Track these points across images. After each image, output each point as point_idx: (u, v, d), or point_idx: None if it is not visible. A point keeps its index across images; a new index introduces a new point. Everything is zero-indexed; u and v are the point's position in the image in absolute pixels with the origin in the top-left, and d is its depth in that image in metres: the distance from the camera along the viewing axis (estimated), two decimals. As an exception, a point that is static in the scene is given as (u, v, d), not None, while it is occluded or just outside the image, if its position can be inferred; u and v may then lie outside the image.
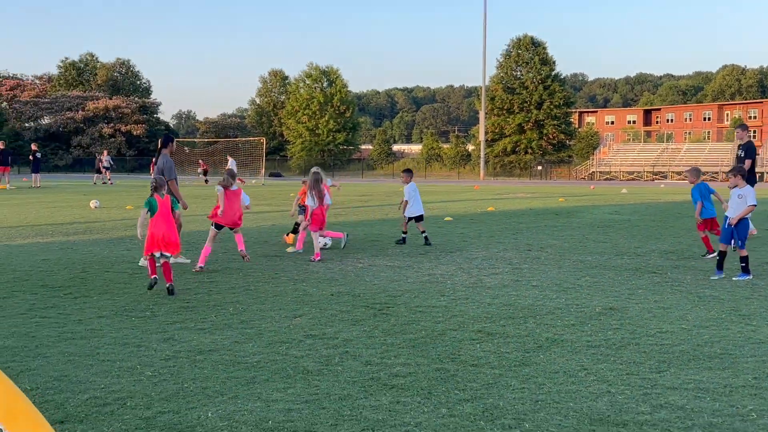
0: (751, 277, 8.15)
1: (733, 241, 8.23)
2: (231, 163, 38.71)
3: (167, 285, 7.24)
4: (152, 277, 7.26)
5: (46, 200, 23.05)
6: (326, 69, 74.91)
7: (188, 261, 9.40)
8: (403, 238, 11.79)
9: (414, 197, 11.73)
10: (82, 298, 7.21)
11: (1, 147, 29.23)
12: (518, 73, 63.09)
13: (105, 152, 42.62)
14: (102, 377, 4.57)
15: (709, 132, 56.61)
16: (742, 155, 11.56)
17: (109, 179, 38.89)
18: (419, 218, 11.84)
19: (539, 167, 62.19)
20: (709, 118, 59.75)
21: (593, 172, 60.29)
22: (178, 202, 8.76)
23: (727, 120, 58.77)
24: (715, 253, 8.93)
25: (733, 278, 8.15)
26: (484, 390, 4.29)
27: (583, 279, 8.40)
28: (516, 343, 5.45)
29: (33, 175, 32.24)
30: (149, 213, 7.41)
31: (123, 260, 9.85)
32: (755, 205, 8.17)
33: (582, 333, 5.77)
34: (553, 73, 61.39)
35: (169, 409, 3.95)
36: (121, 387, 4.36)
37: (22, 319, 6.27)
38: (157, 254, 7.34)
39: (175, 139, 10.27)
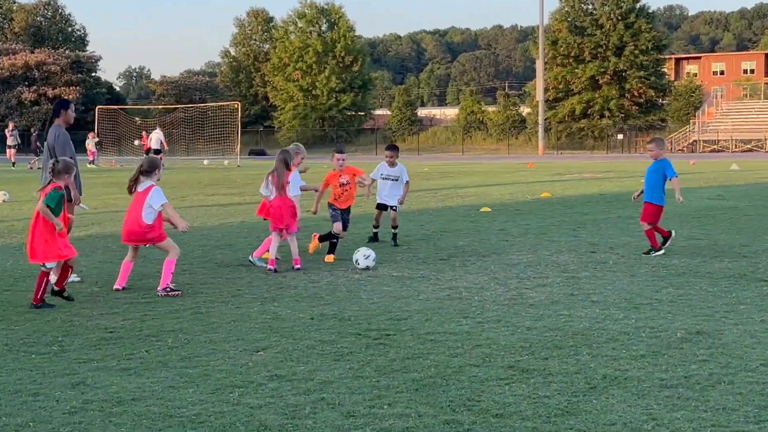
0: None
1: None
2: (156, 137, 40.08)
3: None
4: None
5: None
6: (325, 6, 75.32)
7: (79, 279, 9.42)
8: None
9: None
10: None
11: None
12: (590, 6, 62.86)
13: (11, 125, 43.38)
14: None
15: None
16: None
17: (32, 165, 39.70)
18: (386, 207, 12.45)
19: (620, 136, 61.82)
20: None
21: (695, 141, 59.80)
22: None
23: None
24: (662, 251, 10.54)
25: None
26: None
27: (663, 291, 8.33)
28: (561, 383, 5.37)
29: None
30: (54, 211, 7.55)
31: (31, 275, 9.76)
32: None
33: (654, 367, 5.68)
34: (638, 5, 61.00)
35: None
36: None
37: None
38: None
39: (72, 106, 10.17)
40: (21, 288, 9.01)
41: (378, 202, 12.49)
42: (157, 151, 40.99)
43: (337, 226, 10.85)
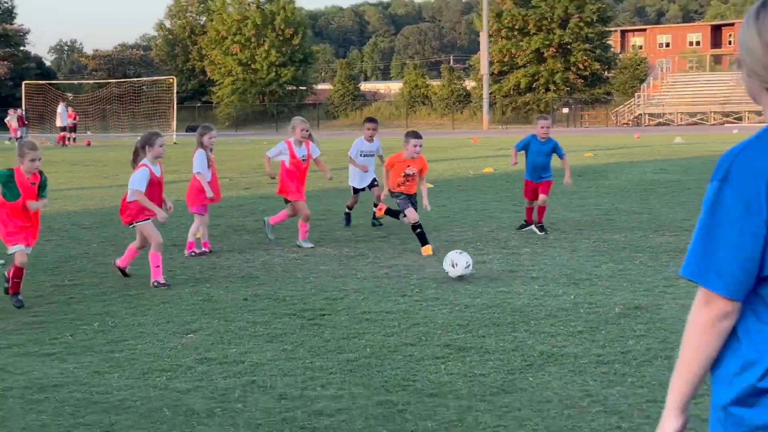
0: None
1: None
2: (62, 111, 39.70)
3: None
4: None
5: None
6: None
7: (2, 262, 9.19)
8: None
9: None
10: None
11: None
12: None
13: None
14: None
15: None
16: None
17: None
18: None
19: (565, 110, 62.72)
20: None
21: (640, 115, 61.16)
22: None
23: None
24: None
25: None
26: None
27: (603, 266, 8.51)
28: (497, 361, 5.44)
29: None
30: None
31: None
32: None
33: (592, 344, 5.80)
34: None
35: None
36: None
37: None
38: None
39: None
40: None
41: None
42: (64, 128, 40.43)
43: (412, 214, 9.74)
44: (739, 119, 55.70)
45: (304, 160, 10.27)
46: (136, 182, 8.02)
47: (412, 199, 9.94)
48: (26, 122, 45.73)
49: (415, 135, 10.16)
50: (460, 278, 8.01)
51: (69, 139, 42.04)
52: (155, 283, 8.03)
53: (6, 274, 7.46)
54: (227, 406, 4.70)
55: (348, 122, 70.21)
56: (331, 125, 70.33)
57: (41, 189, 7.58)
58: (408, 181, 9.94)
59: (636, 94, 61.94)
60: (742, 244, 1.88)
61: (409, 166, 9.93)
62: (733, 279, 1.88)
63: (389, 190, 10.03)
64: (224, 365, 5.47)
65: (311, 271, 8.63)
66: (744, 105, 55.79)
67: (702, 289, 1.88)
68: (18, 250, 7.33)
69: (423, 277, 8.16)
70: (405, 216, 9.78)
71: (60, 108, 42.71)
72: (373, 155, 11.97)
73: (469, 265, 7.99)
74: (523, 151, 11.16)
